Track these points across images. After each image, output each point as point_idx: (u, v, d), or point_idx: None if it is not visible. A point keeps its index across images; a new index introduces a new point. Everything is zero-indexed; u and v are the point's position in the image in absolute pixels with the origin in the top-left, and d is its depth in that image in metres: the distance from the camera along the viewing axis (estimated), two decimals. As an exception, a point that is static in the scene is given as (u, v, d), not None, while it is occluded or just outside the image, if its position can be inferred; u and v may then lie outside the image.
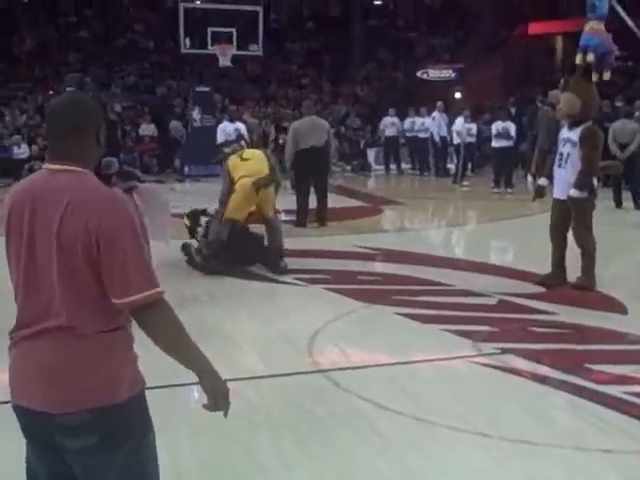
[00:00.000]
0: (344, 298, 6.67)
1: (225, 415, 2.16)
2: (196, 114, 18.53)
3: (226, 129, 14.47)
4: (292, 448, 3.78)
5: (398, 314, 6.16)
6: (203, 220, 8.23)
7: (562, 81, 7.06)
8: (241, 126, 14.77)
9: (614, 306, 6.40)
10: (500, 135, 14.79)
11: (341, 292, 6.86)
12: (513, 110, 17.91)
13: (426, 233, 11.44)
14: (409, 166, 19.96)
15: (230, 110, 17.06)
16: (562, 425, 4.17)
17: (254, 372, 4.86)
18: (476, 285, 7.08)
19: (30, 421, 2.11)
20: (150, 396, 3.94)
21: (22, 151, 17.60)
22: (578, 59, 6.83)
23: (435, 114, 18.48)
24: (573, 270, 6.94)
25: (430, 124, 18.59)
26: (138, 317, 2.06)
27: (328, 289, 7.02)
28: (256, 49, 19.54)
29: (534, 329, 5.84)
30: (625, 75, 20.15)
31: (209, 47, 18.84)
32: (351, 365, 5.06)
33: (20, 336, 2.11)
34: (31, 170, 12.88)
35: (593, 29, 6.81)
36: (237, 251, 7.68)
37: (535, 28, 24.96)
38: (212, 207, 8.35)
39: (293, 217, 10.70)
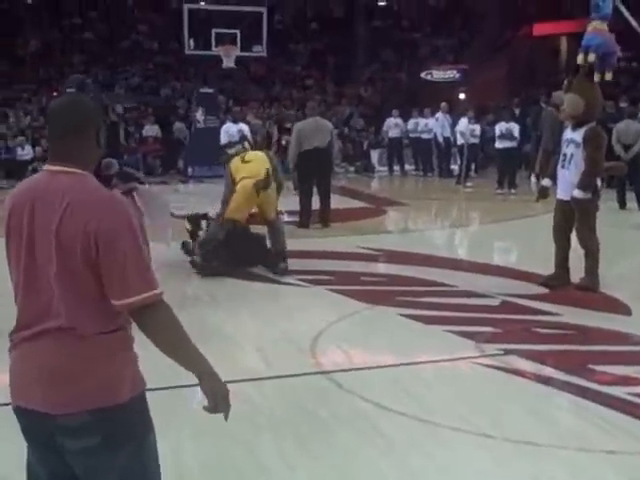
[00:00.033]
0: (347, 299, 6.66)
1: (225, 418, 2.16)
2: (200, 115, 18.56)
3: (229, 130, 14.46)
4: (295, 449, 3.78)
5: (401, 315, 6.15)
6: (204, 224, 8.25)
7: (565, 82, 7.05)
8: (244, 127, 14.76)
9: (618, 307, 6.38)
10: (504, 136, 14.77)
11: (344, 293, 6.85)
12: (517, 111, 17.90)
13: (430, 234, 11.43)
14: (412, 167, 19.96)
15: (234, 111, 17.06)
16: (565, 426, 4.16)
17: (257, 373, 4.86)
18: (479, 286, 7.07)
19: (31, 422, 2.11)
20: (153, 397, 3.94)
21: (26, 152, 17.64)
22: (579, 59, 6.83)
23: (439, 115, 18.48)
24: (577, 271, 6.93)
25: (434, 125, 18.60)
26: (137, 318, 2.07)
27: (331, 290, 7.01)
28: (260, 50, 19.57)
29: (537, 330, 5.82)
30: (629, 76, 20.14)
31: (213, 48, 18.87)
32: (354, 366, 5.06)
33: (20, 337, 2.11)
34: (35, 171, 12.87)
35: (596, 29, 6.81)
36: (238, 252, 7.68)
37: (540, 29, 24.93)
38: (213, 211, 8.36)
39: (296, 218, 10.70)
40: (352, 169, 20.54)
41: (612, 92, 13.93)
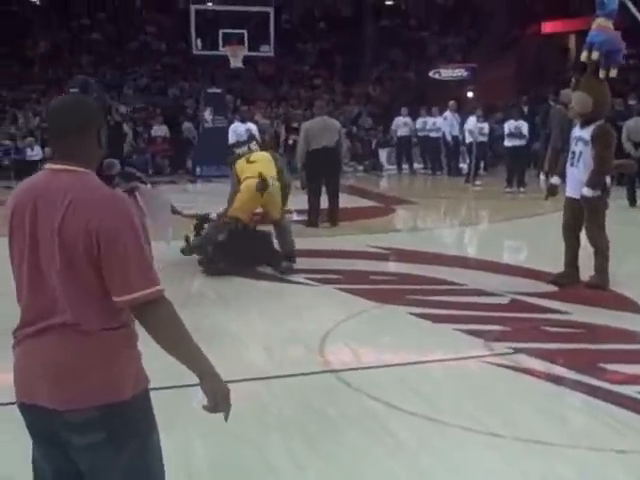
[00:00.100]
0: (356, 298, 6.65)
1: (226, 418, 2.16)
2: (208, 115, 18.59)
3: (237, 130, 14.47)
4: (303, 448, 3.77)
5: (410, 314, 6.13)
6: (207, 225, 8.28)
7: (573, 80, 7.02)
8: (252, 127, 14.77)
9: (627, 305, 6.35)
10: (513, 134, 14.72)
11: (353, 292, 6.84)
12: (526, 109, 17.84)
13: (439, 232, 11.40)
14: (421, 166, 19.93)
15: (241, 111, 17.07)
16: (575, 425, 4.14)
17: (265, 372, 4.86)
18: (488, 284, 7.05)
19: (36, 418, 2.12)
20: (162, 396, 3.94)
21: (35, 153, 17.70)
22: (583, 56, 6.80)
23: (447, 114, 18.45)
24: (586, 269, 6.90)
25: (442, 124, 18.58)
26: (139, 315, 2.08)
27: (340, 289, 7.00)
28: (267, 50, 19.58)
29: (547, 328, 5.80)
30: (638, 73, 20.03)
31: (220, 48, 18.90)
32: (362, 365, 5.04)
33: (24, 334, 2.12)
34: (44, 172, 12.86)
35: (600, 26, 6.77)
36: (243, 251, 7.67)
37: (548, 27, 24.86)
38: (214, 214, 8.38)
39: (305, 217, 10.70)
40: (361, 168, 20.53)
41: (621, 89, 13.89)
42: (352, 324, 5.94)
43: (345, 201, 11.55)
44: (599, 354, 5.27)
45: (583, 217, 6.84)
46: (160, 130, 20.07)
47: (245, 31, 18.93)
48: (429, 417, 4.10)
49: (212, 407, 2.12)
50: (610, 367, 4.92)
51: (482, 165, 17.41)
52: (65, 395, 2.04)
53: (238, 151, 8.49)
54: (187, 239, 8.13)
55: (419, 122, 19.37)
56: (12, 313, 2.21)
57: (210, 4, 21.03)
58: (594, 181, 6.71)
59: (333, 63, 26.51)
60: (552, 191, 7.41)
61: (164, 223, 5.60)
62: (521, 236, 10.53)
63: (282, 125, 20.72)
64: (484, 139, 16.46)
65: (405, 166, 19.84)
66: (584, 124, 6.84)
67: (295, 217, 10.70)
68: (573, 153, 6.90)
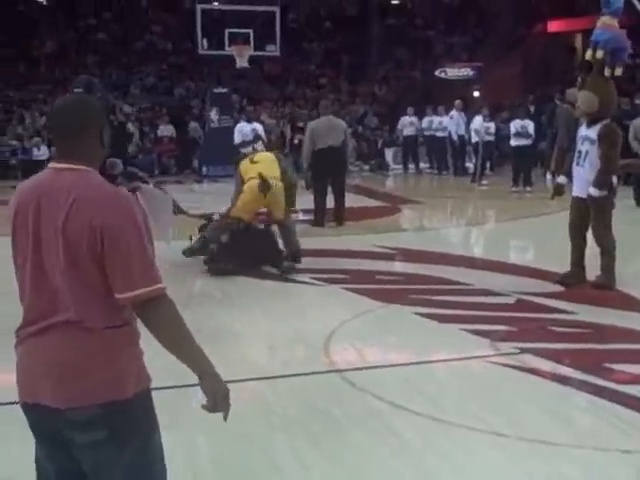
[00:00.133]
0: (362, 298, 6.64)
1: (225, 418, 2.17)
2: (214, 115, 18.60)
3: (243, 130, 14.49)
4: (308, 448, 3.77)
5: (416, 314, 6.12)
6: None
7: (579, 79, 7.00)
8: (258, 126, 14.79)
9: (634, 305, 6.33)
10: (519, 134, 14.68)
11: (359, 292, 6.84)
12: (532, 108, 17.80)
13: (445, 232, 11.38)
14: (427, 165, 19.91)
15: (247, 110, 17.10)
16: (581, 425, 4.12)
17: (270, 372, 4.86)
18: (495, 284, 7.03)
19: (39, 418, 2.13)
20: (166, 395, 3.95)
21: (42, 153, 17.75)
22: (588, 55, 6.78)
23: (453, 113, 18.42)
24: (593, 269, 6.88)
25: (448, 123, 18.55)
26: (141, 313, 2.09)
27: (345, 289, 7.00)
28: (273, 49, 19.58)
29: (553, 328, 5.78)
30: (645, 72, 19.96)
31: (226, 48, 18.91)
32: (367, 365, 5.04)
33: (26, 333, 2.13)
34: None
35: (605, 24, 6.74)
36: (246, 251, 7.65)
37: (554, 26, 24.79)
38: (217, 214, 8.39)
39: (311, 217, 10.70)
40: (367, 167, 20.53)
41: (627, 88, 13.84)
42: (357, 324, 5.94)
43: (351, 201, 11.55)
44: (605, 354, 5.26)
45: (589, 217, 6.82)
46: (166, 130, 20.10)
47: (251, 31, 18.94)
48: (434, 417, 4.09)
49: (211, 407, 2.13)
50: (616, 367, 4.90)
51: (488, 165, 17.38)
52: (68, 393, 2.05)
53: (244, 151, 8.51)
54: (191, 239, 8.12)
55: (425, 121, 19.35)
56: (14, 313, 2.21)
57: (216, 4, 21.05)
58: (600, 181, 6.69)
59: (339, 62, 26.50)
60: (558, 190, 7.38)
61: (165, 223, 5.61)
62: (527, 236, 10.51)
63: (288, 125, 20.72)
64: (490, 138, 16.44)
65: (411, 166, 19.82)
66: (590, 123, 6.82)
67: (301, 217, 10.70)
68: (579, 152, 6.88)
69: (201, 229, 8.33)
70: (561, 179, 7.40)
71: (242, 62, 18.97)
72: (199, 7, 19.19)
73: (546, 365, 4.91)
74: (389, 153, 20.99)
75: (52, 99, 21.28)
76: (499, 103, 20.08)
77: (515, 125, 14.80)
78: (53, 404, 2.06)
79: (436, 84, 24.20)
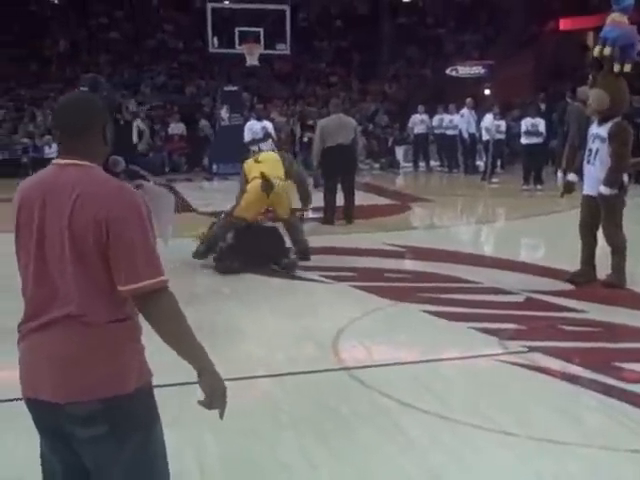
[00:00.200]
0: (371, 296, 6.64)
1: (221, 415, 2.19)
2: (224, 113, 18.63)
3: (253, 128, 14.51)
4: (315, 446, 3.77)
5: (425, 312, 6.11)
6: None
7: (590, 77, 6.97)
8: (268, 124, 14.81)
9: (645, 304, 6.30)
10: (530, 132, 14.62)
11: (368, 290, 6.83)
12: (543, 106, 17.72)
13: (455, 230, 11.35)
14: (438, 163, 19.87)
15: (257, 108, 17.11)
16: (590, 424, 4.10)
17: (278, 369, 4.86)
18: (504, 283, 7.01)
19: (42, 413, 2.14)
20: (175, 392, 3.96)
21: (53, 150, 17.79)
22: (596, 51, 6.74)
23: (464, 111, 18.39)
24: (603, 268, 6.84)
25: (459, 121, 18.52)
26: (142, 306, 2.10)
27: (354, 286, 7.00)
28: (283, 48, 19.59)
29: (563, 327, 5.76)
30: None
31: (237, 46, 18.94)
32: (376, 363, 5.04)
33: (28, 328, 2.14)
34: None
35: (614, 21, 6.70)
36: (251, 250, 7.64)
37: (566, 24, 24.66)
38: (223, 214, 8.40)
39: (320, 215, 10.70)
40: (377, 166, 20.51)
41: (639, 86, 13.73)
42: (366, 322, 5.93)
43: (361, 199, 11.54)
44: (615, 353, 5.23)
45: (600, 215, 6.78)
46: (177, 128, 20.16)
47: (261, 29, 18.96)
48: (441, 415, 4.08)
49: (208, 403, 2.15)
50: (626, 366, 4.88)
51: (499, 163, 17.33)
52: (70, 388, 2.06)
53: (253, 149, 8.53)
54: (201, 242, 8.07)
55: (436, 119, 19.31)
56: (18, 310, 2.22)
57: (227, 2, 21.06)
58: (611, 179, 6.65)
59: (350, 61, 26.48)
60: (568, 188, 7.35)
61: (166, 222, 5.61)
62: (538, 234, 10.48)
63: (298, 123, 20.73)
64: (501, 137, 16.39)
65: (422, 164, 19.79)
66: (601, 121, 6.78)
67: (311, 214, 10.70)
68: (590, 151, 6.85)
69: (211, 228, 8.34)
70: (571, 177, 7.36)
71: (252, 60, 18.99)
72: (210, 6, 19.22)
73: (555, 364, 4.89)
74: (399, 151, 20.97)
75: (63, 98, 21.40)
76: (510, 101, 20.00)
77: (526, 123, 14.73)
78: (53, 399, 2.07)
79: (447, 82, 24.14)
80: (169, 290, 2.11)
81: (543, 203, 12.94)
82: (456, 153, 19.11)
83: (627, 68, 6.61)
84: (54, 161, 2.19)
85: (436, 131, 19.34)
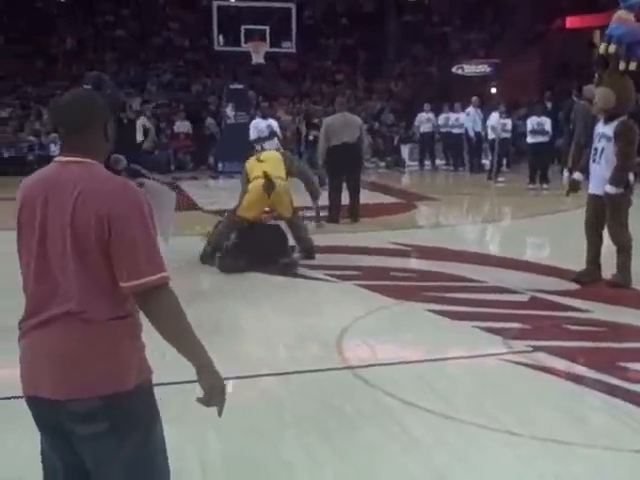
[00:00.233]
0: (375, 294, 6.63)
1: (219, 413, 2.19)
2: (230, 111, 18.64)
3: (258, 126, 14.52)
4: (319, 444, 3.76)
5: (429, 311, 6.10)
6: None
7: (596, 75, 6.94)
8: (273, 123, 14.81)
9: (650, 304, 6.27)
10: (535, 131, 14.58)
11: (372, 288, 6.82)
12: (549, 105, 17.68)
13: (460, 229, 11.33)
14: (443, 162, 19.85)
15: (262, 107, 17.13)
16: (594, 424, 4.09)
17: (282, 368, 4.85)
18: (509, 282, 7.00)
19: (42, 410, 2.14)
20: (178, 390, 3.96)
21: (59, 149, 17.87)
22: (602, 49, 6.72)
23: (470, 109, 18.36)
24: (609, 267, 6.82)
25: (465, 120, 18.50)
26: (143, 303, 2.10)
27: (359, 285, 6.99)
28: (289, 46, 19.60)
29: (567, 327, 5.75)
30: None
31: (242, 44, 18.95)
32: (380, 362, 5.03)
33: (28, 326, 2.14)
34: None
35: (620, 18, 6.68)
36: (254, 249, 7.63)
37: (573, 22, 24.60)
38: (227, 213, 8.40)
39: (326, 213, 10.69)
40: (383, 164, 20.50)
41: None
42: (371, 321, 5.93)
43: (367, 197, 11.54)
44: (620, 353, 5.21)
45: (605, 214, 6.76)
46: (183, 126, 20.17)
47: (267, 27, 18.97)
48: (445, 415, 4.07)
49: (206, 400, 2.15)
50: (631, 366, 4.87)
51: (505, 162, 17.31)
52: (70, 385, 2.06)
53: (258, 147, 8.53)
54: (209, 242, 8.05)
55: (441, 118, 19.28)
56: (19, 308, 2.22)
57: (232, 0, 21.08)
58: (617, 178, 6.63)
59: (355, 59, 26.47)
60: (574, 187, 7.33)
61: (167, 220, 5.61)
62: (543, 233, 10.46)
63: (303, 121, 20.73)
64: (507, 135, 16.37)
65: (427, 162, 19.76)
66: (607, 120, 6.76)
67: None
68: (595, 149, 6.83)
69: (217, 226, 8.34)
70: (577, 175, 7.34)
71: (258, 58, 19.00)
72: (216, 4, 19.23)
73: (559, 363, 4.88)
74: (405, 150, 20.95)
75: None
76: (516, 100, 19.98)
77: (532, 122, 14.69)
78: (53, 396, 2.07)
79: (453, 80, 24.11)
80: (170, 287, 2.11)
81: (549, 202, 12.92)
82: (462, 152, 19.09)
83: (632, 66, 6.59)
84: (56, 158, 2.20)
85: (442, 130, 19.31)
